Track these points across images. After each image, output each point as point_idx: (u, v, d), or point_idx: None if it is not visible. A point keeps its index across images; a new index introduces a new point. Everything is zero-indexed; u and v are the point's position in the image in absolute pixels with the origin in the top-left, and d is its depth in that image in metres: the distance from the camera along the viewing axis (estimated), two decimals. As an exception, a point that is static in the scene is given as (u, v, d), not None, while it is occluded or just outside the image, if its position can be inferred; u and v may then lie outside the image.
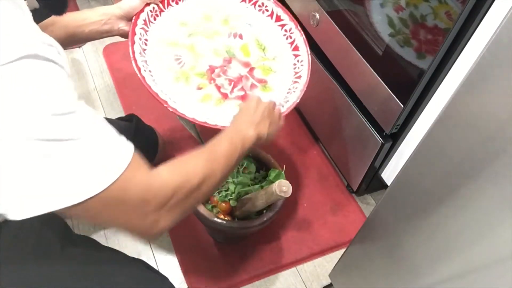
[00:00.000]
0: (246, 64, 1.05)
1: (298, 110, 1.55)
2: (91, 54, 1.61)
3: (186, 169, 0.65)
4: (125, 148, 0.56)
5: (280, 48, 1.09)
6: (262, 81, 1.04)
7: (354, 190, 1.33)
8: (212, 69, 1.00)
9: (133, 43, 0.93)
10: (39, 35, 0.51)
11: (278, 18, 1.11)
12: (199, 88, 0.98)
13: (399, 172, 0.71)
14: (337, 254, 1.20)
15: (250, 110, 0.82)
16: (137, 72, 0.89)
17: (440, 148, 0.61)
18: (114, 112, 1.44)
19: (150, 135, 1.20)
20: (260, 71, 1.05)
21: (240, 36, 1.08)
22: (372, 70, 1.09)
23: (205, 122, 0.88)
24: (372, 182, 1.29)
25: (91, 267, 0.69)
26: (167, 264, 1.13)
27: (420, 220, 0.69)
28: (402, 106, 1.02)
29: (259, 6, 1.10)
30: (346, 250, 0.94)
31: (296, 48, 1.09)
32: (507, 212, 0.52)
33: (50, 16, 0.73)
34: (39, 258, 0.68)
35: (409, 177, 0.70)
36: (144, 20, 0.98)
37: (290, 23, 1.10)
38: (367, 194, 1.38)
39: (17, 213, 0.50)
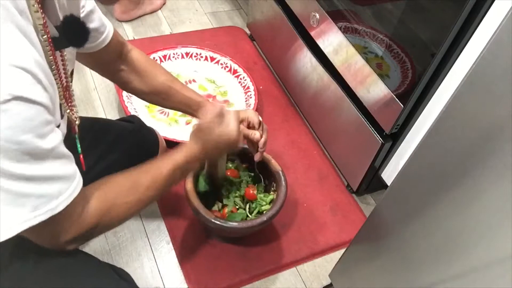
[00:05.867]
0: (209, 96, 1.50)
1: (298, 110, 1.55)
2: (91, 54, 1.61)
3: (118, 214, 0.69)
4: (71, 190, 0.60)
5: (223, 76, 1.57)
6: (225, 102, 1.50)
7: (354, 190, 1.33)
8: None
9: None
10: (29, 66, 0.52)
11: (212, 58, 1.59)
12: (188, 123, 1.40)
13: (399, 172, 0.71)
14: (337, 254, 1.20)
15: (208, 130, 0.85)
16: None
17: (440, 148, 0.61)
18: (114, 112, 1.44)
19: (151, 136, 1.20)
20: (220, 96, 1.52)
21: (194, 80, 1.54)
22: (372, 70, 1.09)
23: None
24: (372, 182, 1.30)
25: (63, 281, 0.69)
26: (167, 264, 1.13)
27: (420, 220, 0.69)
28: (402, 106, 1.02)
29: (195, 56, 1.59)
30: (346, 250, 0.94)
31: (235, 72, 1.56)
32: (507, 212, 0.52)
33: (68, 46, 0.70)
34: (14, 271, 0.68)
35: (409, 177, 0.70)
36: (127, 96, 1.39)
37: (223, 58, 1.58)
38: (367, 194, 1.38)
39: None
